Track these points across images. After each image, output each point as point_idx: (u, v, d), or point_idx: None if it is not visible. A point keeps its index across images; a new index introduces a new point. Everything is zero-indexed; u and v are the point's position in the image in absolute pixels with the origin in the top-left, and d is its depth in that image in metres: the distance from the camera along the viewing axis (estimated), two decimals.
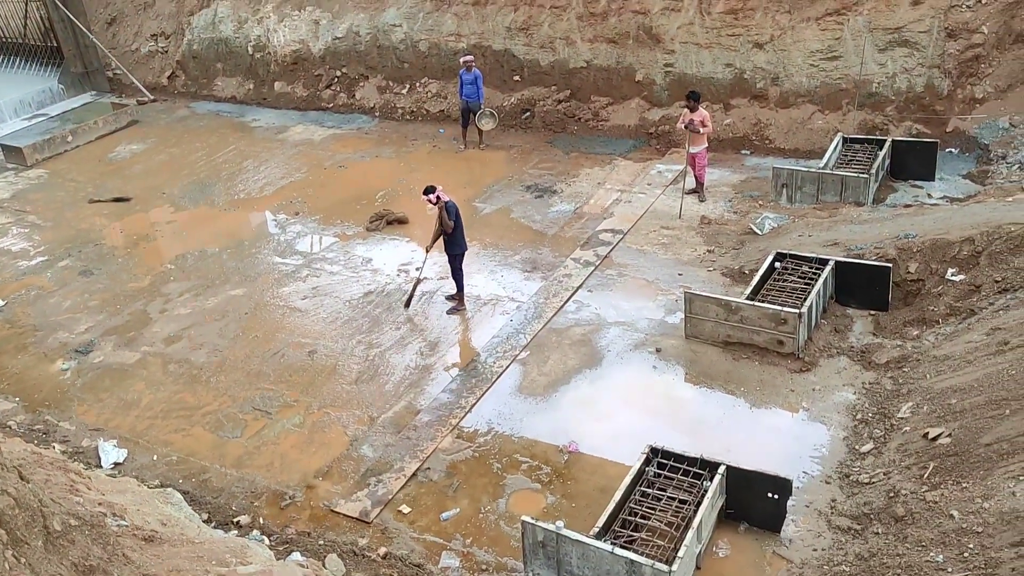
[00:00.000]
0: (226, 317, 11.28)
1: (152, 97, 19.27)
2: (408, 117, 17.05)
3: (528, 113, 16.08)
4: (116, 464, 8.90)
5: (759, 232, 11.55)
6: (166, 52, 20.16)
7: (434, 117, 16.81)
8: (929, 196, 12.18)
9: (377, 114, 17.36)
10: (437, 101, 16.92)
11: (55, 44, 20.11)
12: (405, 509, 8.06)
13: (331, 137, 16.70)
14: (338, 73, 17.95)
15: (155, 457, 9.03)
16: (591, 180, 13.93)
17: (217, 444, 9.14)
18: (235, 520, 8.05)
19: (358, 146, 16.22)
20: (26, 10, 20.63)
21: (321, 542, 7.77)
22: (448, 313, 10.93)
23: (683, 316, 9.93)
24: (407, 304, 11.00)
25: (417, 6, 17.15)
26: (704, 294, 9.78)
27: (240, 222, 13.93)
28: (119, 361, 10.65)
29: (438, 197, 10.50)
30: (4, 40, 21.13)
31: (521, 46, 16.18)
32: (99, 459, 9.02)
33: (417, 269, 11.34)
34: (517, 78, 16.32)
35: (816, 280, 9.73)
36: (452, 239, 10.61)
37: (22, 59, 20.63)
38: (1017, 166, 12.31)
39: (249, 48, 18.72)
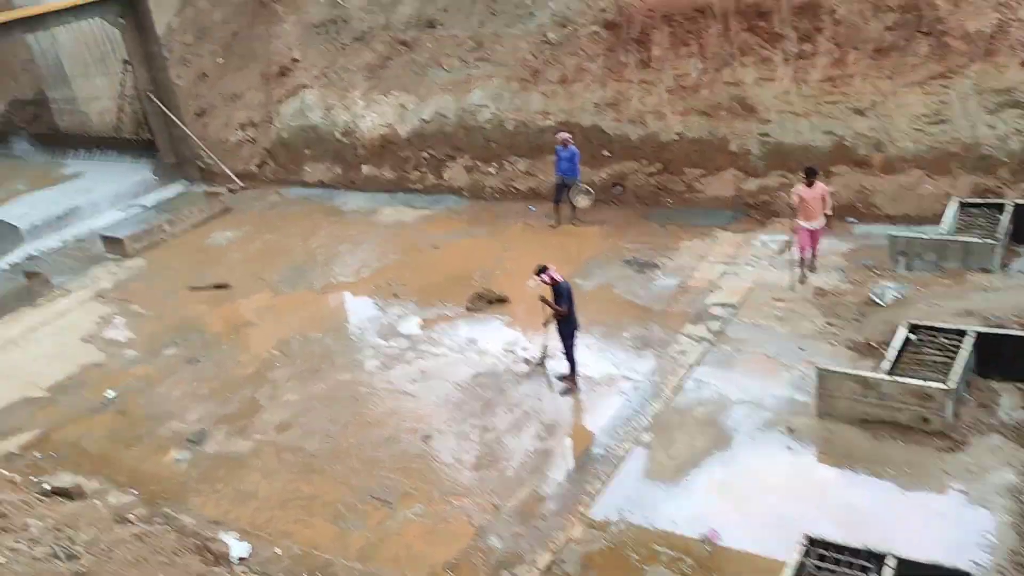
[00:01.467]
0: (336, 403, 11.16)
1: (243, 184, 19.75)
2: (498, 196, 17.11)
3: (619, 187, 15.99)
4: (241, 559, 8.70)
5: (881, 303, 11.08)
6: (255, 141, 20.74)
7: (524, 195, 16.82)
8: None
9: (466, 194, 17.47)
10: (526, 179, 16.97)
11: (149, 136, 20.88)
12: None
13: (422, 218, 16.82)
14: (425, 155, 18.19)
15: (278, 551, 8.80)
16: (692, 253, 13.66)
17: (339, 535, 8.90)
18: None
19: (450, 226, 16.27)
20: (120, 105, 21.53)
21: None
22: (561, 394, 10.65)
23: (814, 393, 9.47)
24: (540, 362, 10.99)
25: (503, 86, 17.39)
26: (838, 370, 9.33)
27: (340, 305, 13.98)
28: (233, 450, 10.56)
29: (551, 277, 10.39)
30: (100, 135, 22.03)
31: (610, 121, 16.20)
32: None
33: (544, 348, 11.15)
34: (607, 153, 16.30)
35: (958, 352, 9.22)
36: (565, 318, 10.43)
37: (117, 151, 21.45)
38: None
39: (337, 133, 19.14)
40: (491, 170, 17.52)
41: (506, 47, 17.66)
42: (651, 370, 10.80)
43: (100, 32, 20.62)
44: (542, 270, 10.45)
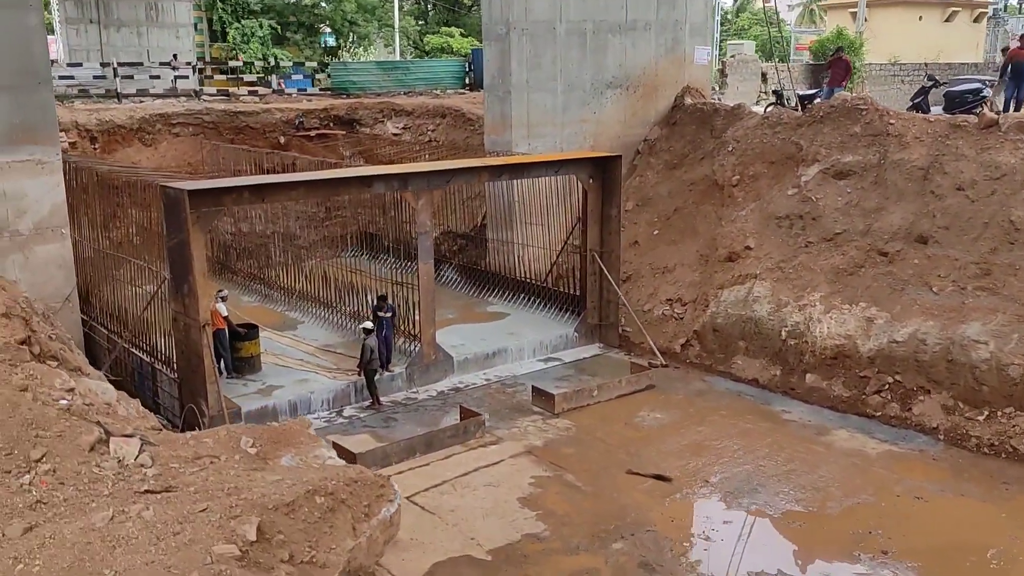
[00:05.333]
0: None
1: (664, 363, 18.74)
2: (986, 451, 14.27)
3: None
4: None
5: None
6: (681, 319, 19.86)
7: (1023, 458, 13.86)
8: None
9: (941, 437, 14.83)
10: None
11: (578, 294, 20.86)
12: None
13: (888, 454, 14.41)
14: (890, 379, 15.91)
15: None
16: None
17: None
18: None
19: (928, 474, 13.69)
20: (557, 258, 21.93)
21: None
22: None
23: None
24: None
25: (1013, 325, 14.82)
26: None
27: (810, 543, 11.86)
28: None
29: None
30: (525, 281, 22.52)
31: None
32: None
33: None
34: None
35: None
36: None
37: (540, 300, 21.68)
38: None
39: (783, 333, 17.57)
40: (979, 418, 14.75)
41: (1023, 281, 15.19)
42: None
43: (557, 186, 21.36)
44: None
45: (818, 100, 24.36)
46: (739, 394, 17.28)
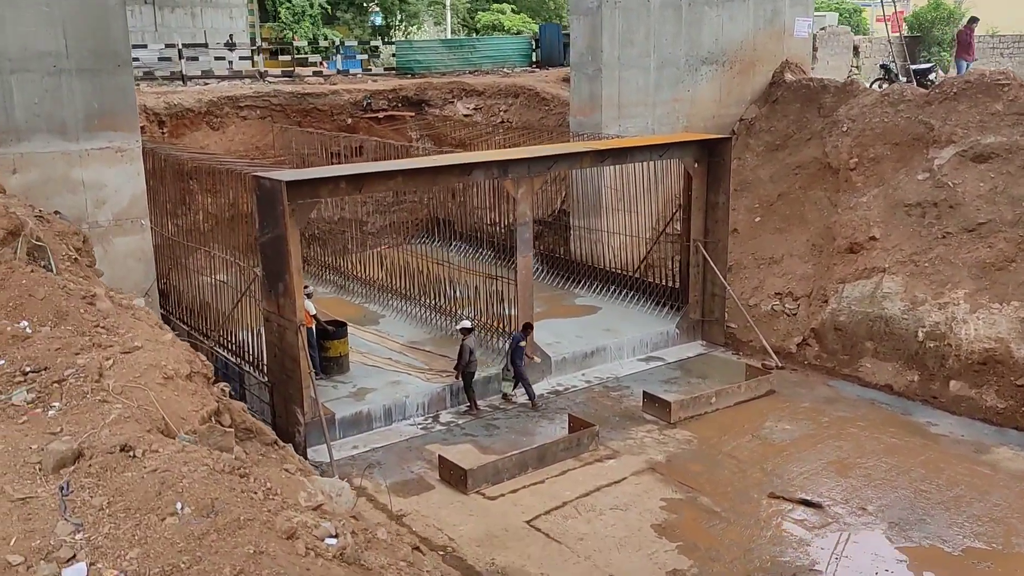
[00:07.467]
0: None
1: (780, 364, 17.16)
2: None
3: None
4: None
5: None
6: (794, 315, 18.23)
7: None
8: None
9: None
10: None
11: (675, 286, 19.33)
12: None
13: None
14: None
15: None
16: None
17: None
18: None
19: None
20: (651, 248, 20.39)
21: None
22: None
23: None
24: None
25: None
26: None
27: None
28: None
29: None
30: (612, 271, 21.02)
31: None
32: None
33: None
34: None
35: None
36: None
37: (636, 295, 20.15)
38: None
39: (920, 334, 15.87)
40: None
41: None
42: None
43: (651, 171, 19.79)
44: None
45: (932, 76, 22.47)
46: (873, 402, 15.63)
